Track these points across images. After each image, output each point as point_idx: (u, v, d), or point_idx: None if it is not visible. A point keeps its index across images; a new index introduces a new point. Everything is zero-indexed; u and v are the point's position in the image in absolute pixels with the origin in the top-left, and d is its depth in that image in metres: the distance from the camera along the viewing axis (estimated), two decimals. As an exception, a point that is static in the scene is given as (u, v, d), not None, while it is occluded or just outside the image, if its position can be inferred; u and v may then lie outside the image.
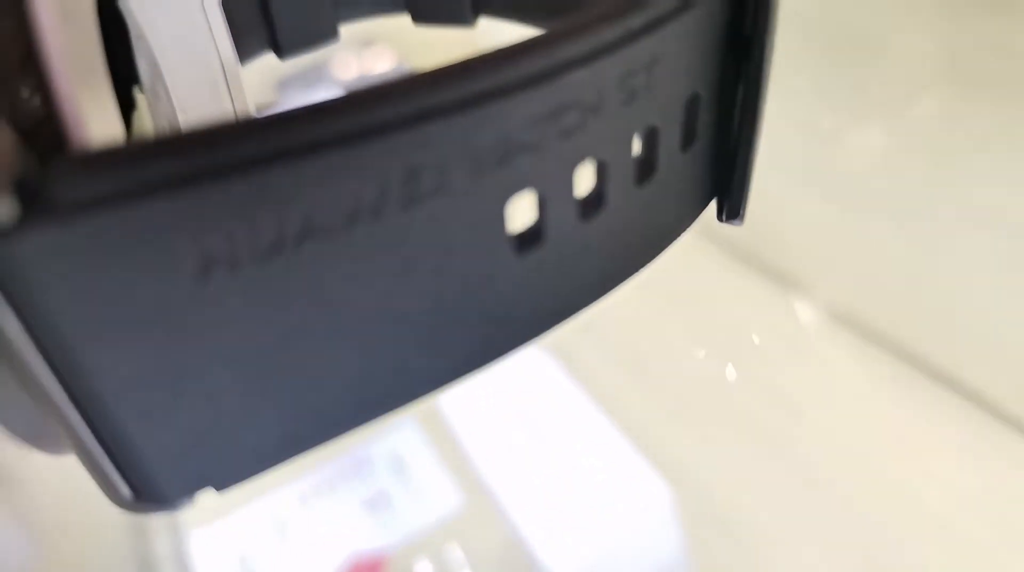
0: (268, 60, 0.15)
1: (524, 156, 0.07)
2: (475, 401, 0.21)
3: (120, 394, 0.07)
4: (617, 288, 0.09)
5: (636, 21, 0.07)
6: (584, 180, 0.08)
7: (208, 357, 0.07)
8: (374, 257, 0.07)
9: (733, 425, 0.19)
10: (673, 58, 0.08)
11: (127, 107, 0.10)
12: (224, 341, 0.07)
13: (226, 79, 0.13)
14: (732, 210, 0.10)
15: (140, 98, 0.11)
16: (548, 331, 0.09)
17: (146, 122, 0.10)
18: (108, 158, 0.06)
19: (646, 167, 0.09)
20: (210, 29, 0.12)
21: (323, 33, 0.15)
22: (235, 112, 0.13)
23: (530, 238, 0.08)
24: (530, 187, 0.08)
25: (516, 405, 0.21)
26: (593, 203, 0.08)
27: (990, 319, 0.21)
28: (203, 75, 0.13)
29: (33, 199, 0.06)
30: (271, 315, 0.07)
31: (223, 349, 0.07)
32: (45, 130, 0.06)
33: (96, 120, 0.08)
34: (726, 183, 0.10)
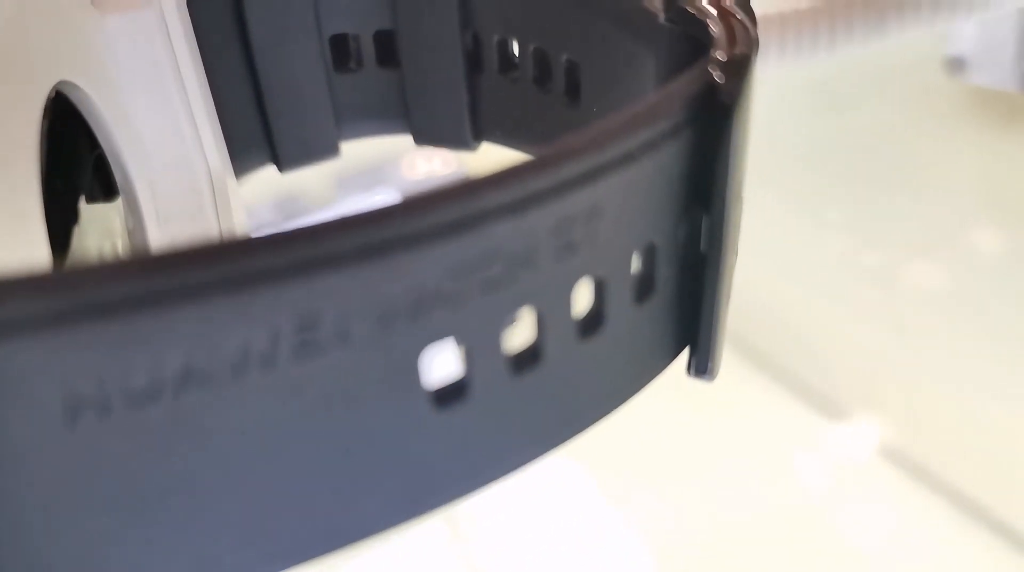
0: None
1: (441, 310, 0.07)
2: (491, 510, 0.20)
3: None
4: (557, 447, 0.08)
5: (570, 169, 0.07)
6: (519, 333, 0.08)
7: (80, 505, 0.06)
8: (267, 409, 0.07)
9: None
10: (620, 207, 0.08)
11: (68, 221, 0.10)
12: (97, 489, 0.06)
13: (213, 191, 0.13)
14: (700, 366, 0.09)
15: (87, 210, 0.10)
16: (477, 489, 0.08)
17: (87, 238, 0.10)
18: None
19: (592, 322, 0.08)
20: (199, 140, 0.12)
21: (324, 150, 0.15)
22: (219, 225, 0.13)
23: (451, 393, 0.07)
24: (451, 339, 0.07)
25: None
26: (529, 358, 0.08)
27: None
28: (189, 187, 0.13)
29: None
30: (149, 463, 0.06)
31: (97, 496, 0.06)
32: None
33: (10, 244, 0.07)
34: (693, 338, 0.09)
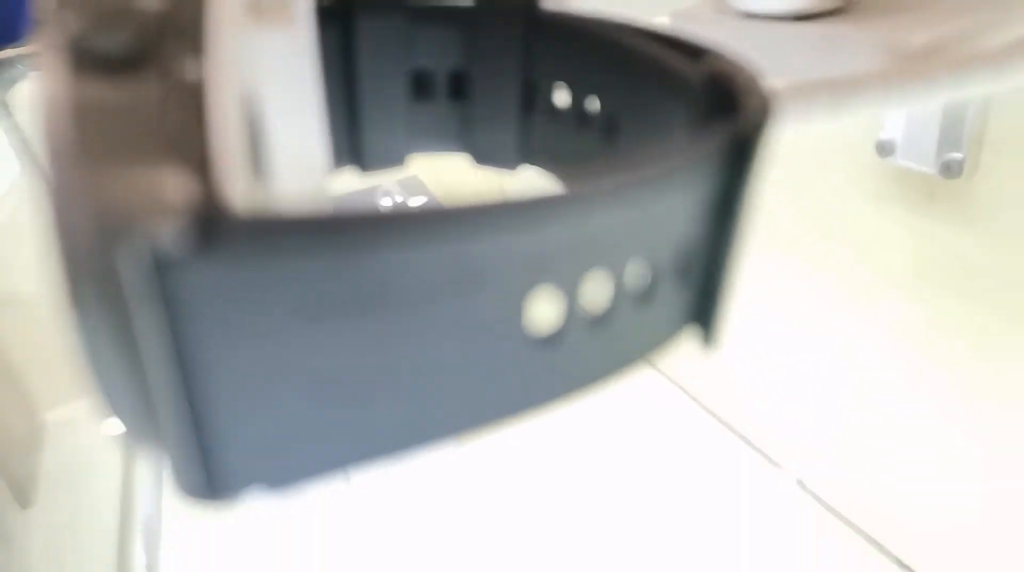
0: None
1: (551, 265, 0.10)
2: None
3: (225, 397, 0.09)
4: (617, 379, 0.12)
5: (652, 183, 0.10)
6: (592, 290, 0.11)
7: (297, 377, 0.09)
8: (428, 327, 0.10)
9: None
10: (670, 211, 0.11)
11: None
12: (313, 368, 0.09)
13: (320, 184, 0.16)
14: (709, 337, 0.13)
15: (254, 182, 0.13)
16: (551, 406, 0.11)
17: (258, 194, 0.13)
18: (261, 220, 0.09)
19: (648, 293, 0.11)
20: (318, 139, 0.16)
21: (396, 161, 0.18)
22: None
23: (548, 339, 0.11)
24: (552, 283, 0.10)
25: None
26: (604, 318, 0.11)
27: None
28: (303, 177, 0.16)
29: (206, 237, 0.08)
30: (349, 353, 0.09)
31: (310, 373, 0.09)
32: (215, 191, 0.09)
33: (241, 189, 0.10)
34: (706, 315, 0.13)
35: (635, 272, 0.11)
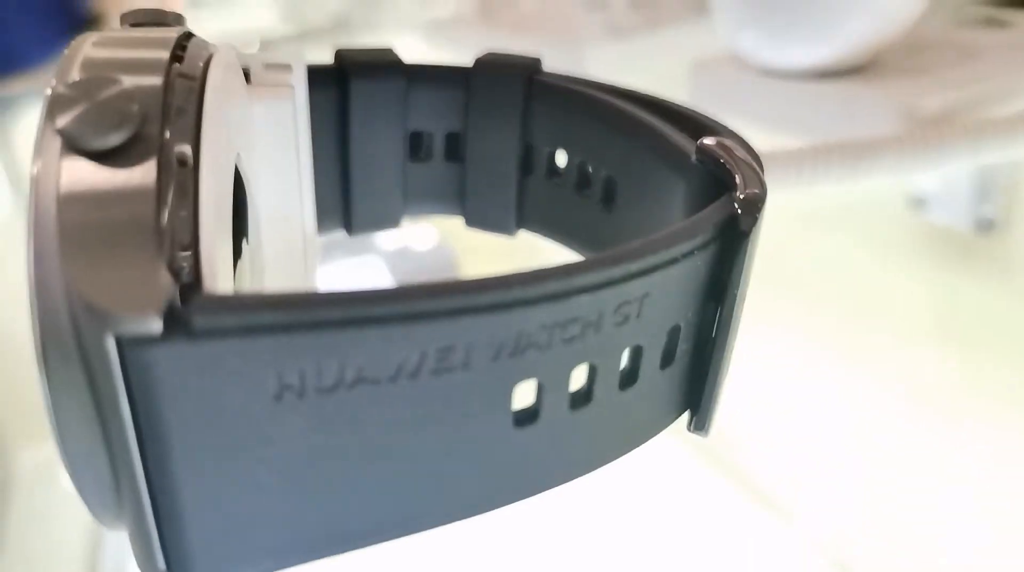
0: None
1: (533, 352, 0.10)
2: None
3: (189, 481, 0.09)
4: (594, 470, 0.11)
5: (635, 266, 0.10)
6: (578, 379, 0.10)
7: (265, 462, 0.09)
8: (405, 407, 0.09)
9: None
10: (661, 296, 0.10)
11: (236, 256, 0.12)
12: (280, 451, 0.09)
13: (305, 248, 0.16)
14: (699, 423, 0.12)
15: (244, 248, 0.13)
16: (533, 495, 0.11)
17: (244, 269, 0.13)
18: (231, 302, 0.08)
19: (630, 377, 0.11)
20: (302, 204, 0.15)
21: (390, 221, 0.18)
22: (306, 276, 0.16)
23: (528, 417, 0.10)
24: (535, 376, 0.10)
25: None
26: (582, 398, 0.10)
27: None
28: (289, 241, 0.15)
29: (175, 322, 0.08)
30: (318, 436, 0.09)
31: (278, 457, 0.09)
32: (190, 274, 0.09)
33: (220, 269, 0.10)
34: (697, 400, 0.12)
35: (624, 360, 0.11)
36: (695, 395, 0.12)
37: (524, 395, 0.10)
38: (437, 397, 0.09)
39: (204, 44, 0.12)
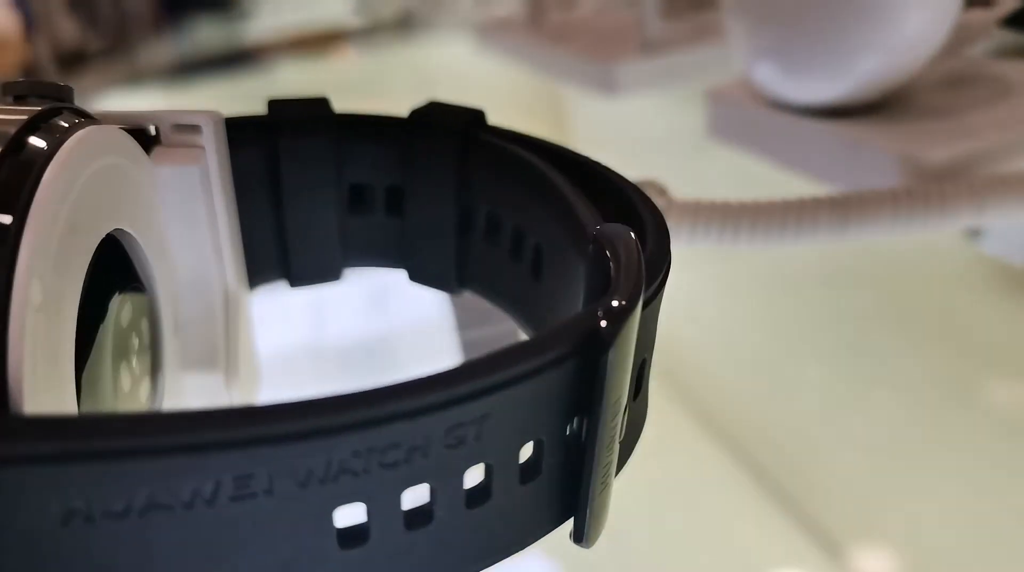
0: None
1: (349, 477, 0.09)
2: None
3: None
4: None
5: (464, 389, 0.09)
6: (419, 497, 0.10)
7: None
8: (207, 532, 0.09)
9: None
10: (507, 416, 0.10)
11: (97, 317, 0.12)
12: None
13: (226, 307, 0.15)
14: (578, 534, 0.11)
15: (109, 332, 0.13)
16: None
17: (105, 358, 0.13)
18: (17, 426, 0.08)
19: (481, 495, 0.10)
20: (222, 267, 0.15)
21: (330, 274, 0.17)
22: (227, 336, 0.15)
23: (355, 537, 0.10)
24: (357, 500, 0.09)
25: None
26: (420, 518, 0.10)
27: None
28: (208, 301, 0.15)
29: None
30: (113, 559, 0.09)
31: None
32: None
33: (42, 393, 0.10)
34: (574, 510, 0.11)
35: (472, 479, 0.10)
36: (572, 504, 0.11)
37: (354, 515, 0.10)
38: (243, 522, 0.09)
39: (75, 121, 0.11)
